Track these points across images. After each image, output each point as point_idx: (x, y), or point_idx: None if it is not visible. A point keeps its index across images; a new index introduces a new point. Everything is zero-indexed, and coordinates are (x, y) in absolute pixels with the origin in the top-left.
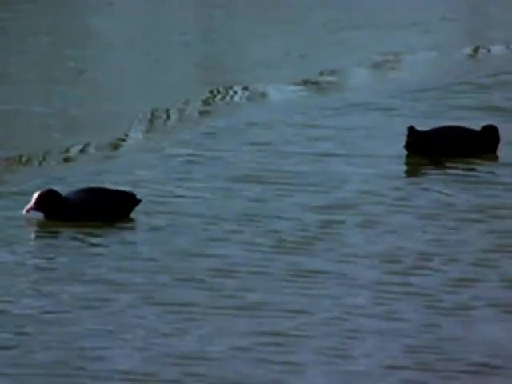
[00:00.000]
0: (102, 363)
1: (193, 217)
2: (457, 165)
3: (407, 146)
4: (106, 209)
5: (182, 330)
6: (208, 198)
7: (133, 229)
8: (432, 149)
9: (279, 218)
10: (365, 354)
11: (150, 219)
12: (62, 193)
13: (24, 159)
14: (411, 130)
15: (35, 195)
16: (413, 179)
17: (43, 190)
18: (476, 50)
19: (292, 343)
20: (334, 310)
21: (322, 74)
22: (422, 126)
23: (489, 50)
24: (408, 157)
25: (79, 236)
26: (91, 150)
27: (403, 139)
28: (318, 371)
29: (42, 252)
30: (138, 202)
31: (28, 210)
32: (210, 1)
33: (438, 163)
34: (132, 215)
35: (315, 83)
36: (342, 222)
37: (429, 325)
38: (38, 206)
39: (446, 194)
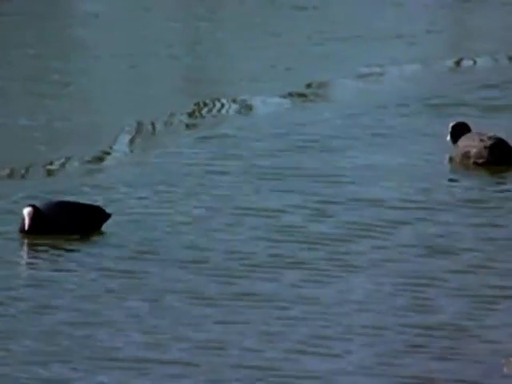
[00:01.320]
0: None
1: (174, 233)
2: None
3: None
4: (78, 223)
5: None
6: (193, 212)
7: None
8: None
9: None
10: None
11: (129, 232)
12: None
13: (8, 172)
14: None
15: (28, 212)
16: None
17: (30, 206)
18: (459, 61)
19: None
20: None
21: (308, 86)
22: (406, 140)
23: (474, 62)
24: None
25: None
26: (76, 162)
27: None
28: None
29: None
30: (108, 216)
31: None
32: (197, 13)
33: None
34: (111, 228)
35: (301, 95)
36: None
37: None
38: (34, 222)
39: None
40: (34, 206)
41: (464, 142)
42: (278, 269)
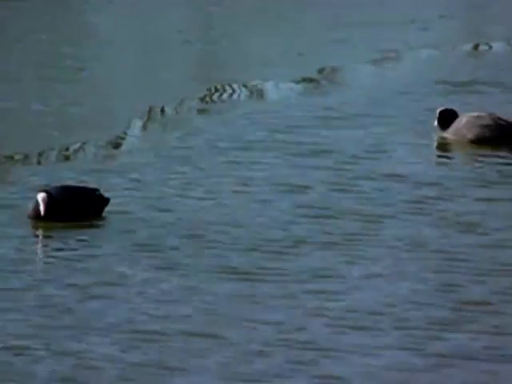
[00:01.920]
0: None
1: (188, 217)
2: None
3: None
4: (86, 207)
5: None
6: (205, 197)
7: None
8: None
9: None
10: None
11: (144, 217)
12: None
13: (22, 157)
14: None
15: (42, 198)
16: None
17: (44, 192)
18: (476, 47)
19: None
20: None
21: (320, 71)
22: (419, 123)
23: (490, 47)
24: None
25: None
26: (90, 148)
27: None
28: None
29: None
30: (107, 201)
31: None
32: None
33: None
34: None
35: (314, 81)
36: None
37: None
38: (49, 207)
39: None
40: (47, 192)
41: (470, 120)
42: (309, 245)
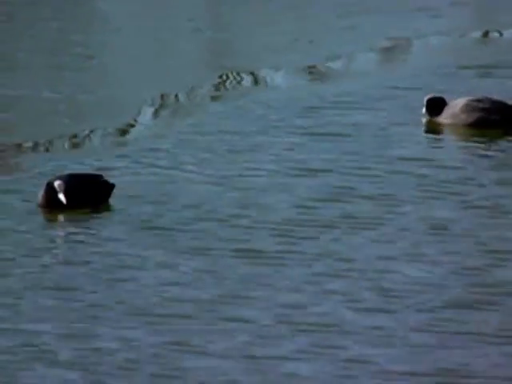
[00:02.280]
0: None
1: (201, 204)
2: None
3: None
4: (96, 193)
5: None
6: (217, 183)
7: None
8: None
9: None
10: None
11: (158, 203)
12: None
13: (32, 145)
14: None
15: (60, 184)
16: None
17: (58, 179)
18: (486, 34)
19: None
20: None
21: (330, 59)
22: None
23: (500, 34)
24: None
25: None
26: (100, 135)
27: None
28: None
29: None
30: (113, 186)
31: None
32: None
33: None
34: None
35: (324, 68)
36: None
37: None
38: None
39: None
40: (62, 179)
41: (469, 103)
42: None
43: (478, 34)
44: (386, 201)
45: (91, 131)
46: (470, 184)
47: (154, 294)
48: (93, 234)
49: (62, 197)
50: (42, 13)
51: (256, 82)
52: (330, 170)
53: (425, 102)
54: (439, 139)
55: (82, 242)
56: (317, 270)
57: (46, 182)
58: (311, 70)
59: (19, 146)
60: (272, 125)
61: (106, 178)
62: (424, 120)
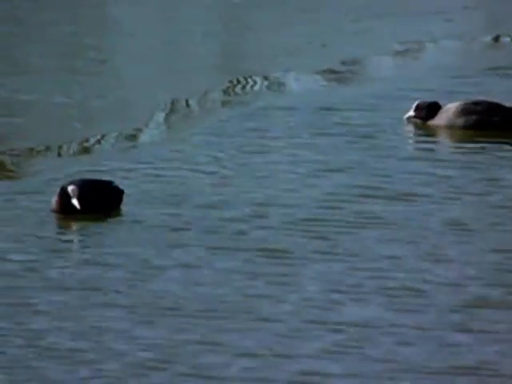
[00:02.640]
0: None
1: (214, 208)
2: None
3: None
4: (109, 199)
5: None
6: (232, 186)
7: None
8: None
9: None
10: None
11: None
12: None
13: (43, 149)
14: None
15: (74, 189)
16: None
17: (72, 184)
18: (497, 38)
19: None
20: None
21: (343, 63)
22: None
23: (511, 39)
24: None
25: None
26: (111, 140)
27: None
28: None
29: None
30: (123, 192)
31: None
32: None
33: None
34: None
35: (337, 72)
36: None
37: None
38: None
39: None
40: (76, 185)
41: (466, 107)
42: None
43: (489, 38)
44: (408, 201)
45: (103, 136)
46: (491, 185)
47: (180, 292)
48: (111, 236)
49: (75, 202)
50: (55, 17)
51: (269, 85)
52: (352, 168)
53: (414, 107)
54: (455, 141)
55: (100, 244)
56: (339, 269)
57: (59, 187)
58: (325, 74)
59: (31, 150)
60: (288, 126)
61: (116, 184)
62: (407, 122)
